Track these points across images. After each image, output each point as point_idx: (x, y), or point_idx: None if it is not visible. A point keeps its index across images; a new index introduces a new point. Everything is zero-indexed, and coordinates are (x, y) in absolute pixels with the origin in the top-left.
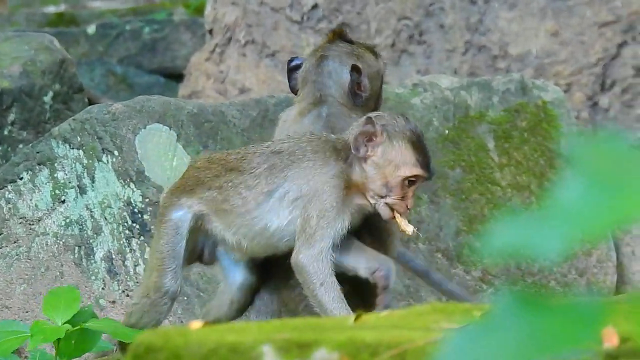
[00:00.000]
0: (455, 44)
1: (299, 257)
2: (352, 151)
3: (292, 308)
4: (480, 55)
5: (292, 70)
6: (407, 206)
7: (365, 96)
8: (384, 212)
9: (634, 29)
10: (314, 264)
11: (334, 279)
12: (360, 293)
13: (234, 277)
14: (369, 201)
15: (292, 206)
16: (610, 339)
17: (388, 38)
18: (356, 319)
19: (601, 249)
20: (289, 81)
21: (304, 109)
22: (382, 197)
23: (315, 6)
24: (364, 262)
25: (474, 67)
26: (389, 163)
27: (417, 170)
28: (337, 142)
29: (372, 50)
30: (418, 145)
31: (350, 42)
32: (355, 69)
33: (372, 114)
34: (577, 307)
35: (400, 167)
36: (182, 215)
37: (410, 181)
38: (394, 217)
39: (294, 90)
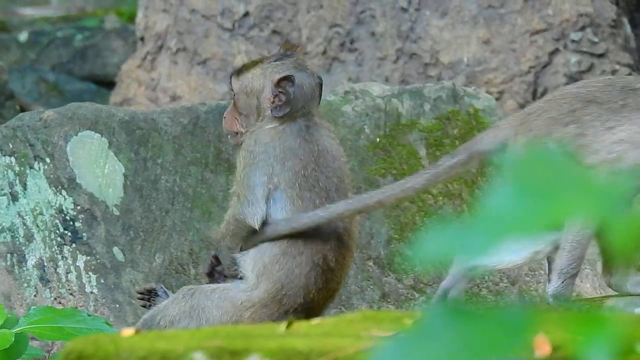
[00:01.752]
0: (386, 52)
1: None
2: None
3: None
4: (412, 63)
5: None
6: None
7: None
8: None
9: (565, 37)
10: None
11: None
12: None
13: None
14: None
15: (618, 146)
16: (542, 347)
17: (319, 46)
18: (288, 326)
19: None
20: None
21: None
22: None
23: (246, 14)
24: None
25: (406, 74)
26: None
27: None
28: None
29: None
30: None
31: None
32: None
33: None
34: (508, 315)
35: None
36: None
37: None
38: None
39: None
